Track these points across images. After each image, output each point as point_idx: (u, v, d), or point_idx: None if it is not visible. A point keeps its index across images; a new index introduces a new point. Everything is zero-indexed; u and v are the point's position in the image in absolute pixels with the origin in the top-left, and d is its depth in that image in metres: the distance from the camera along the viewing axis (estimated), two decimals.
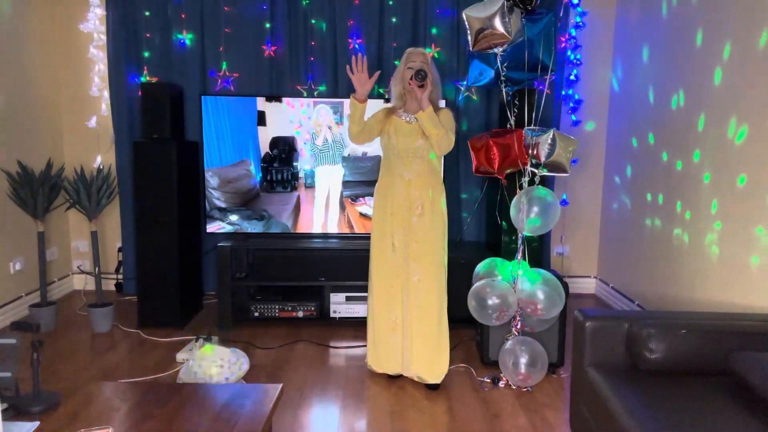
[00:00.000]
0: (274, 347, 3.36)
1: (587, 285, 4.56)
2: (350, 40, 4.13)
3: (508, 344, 2.83)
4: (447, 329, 2.86)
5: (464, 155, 4.10)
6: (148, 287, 3.60)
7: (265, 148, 3.76)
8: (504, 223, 3.33)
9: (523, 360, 2.77)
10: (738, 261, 2.67)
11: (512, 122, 3.05)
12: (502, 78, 2.90)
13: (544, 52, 2.86)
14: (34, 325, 1.83)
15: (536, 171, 2.79)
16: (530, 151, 2.76)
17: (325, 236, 3.86)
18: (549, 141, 2.69)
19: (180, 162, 3.59)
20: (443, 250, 2.85)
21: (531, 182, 2.83)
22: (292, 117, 3.73)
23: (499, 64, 2.84)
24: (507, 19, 2.62)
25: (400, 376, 2.95)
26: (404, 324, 2.83)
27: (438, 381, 2.84)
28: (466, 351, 3.32)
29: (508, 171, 2.94)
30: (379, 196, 2.88)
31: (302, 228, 3.82)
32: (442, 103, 3.59)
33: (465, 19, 2.72)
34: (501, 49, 2.78)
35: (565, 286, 2.86)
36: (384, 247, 2.85)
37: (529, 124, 2.99)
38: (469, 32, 2.73)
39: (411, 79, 2.66)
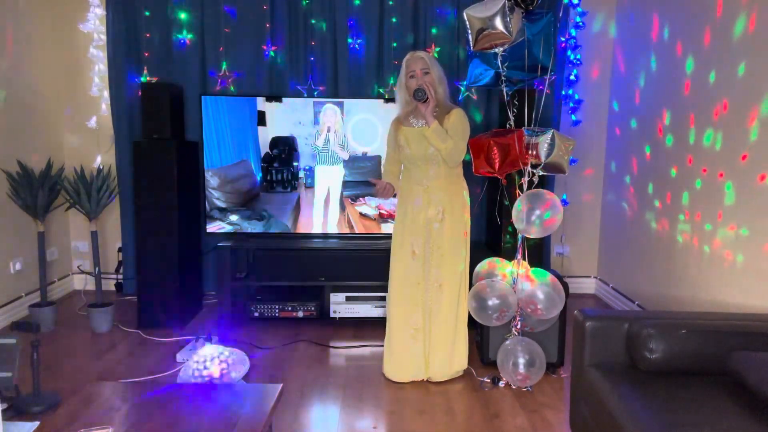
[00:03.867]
0: (274, 347, 3.36)
1: (587, 285, 4.56)
2: (350, 40, 4.14)
3: (506, 344, 2.84)
4: (465, 333, 2.91)
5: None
6: (148, 287, 3.60)
7: (265, 148, 3.76)
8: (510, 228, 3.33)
9: (522, 360, 2.77)
10: (738, 261, 2.67)
11: (512, 122, 3.05)
12: (503, 78, 2.90)
13: (543, 52, 2.86)
14: (34, 325, 1.84)
15: (535, 171, 2.79)
16: (530, 151, 2.76)
17: (325, 236, 3.86)
18: (548, 141, 2.69)
19: (180, 162, 3.59)
20: (465, 254, 2.87)
21: (530, 182, 2.83)
22: (302, 120, 3.74)
23: (499, 63, 2.84)
24: (508, 19, 2.62)
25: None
26: (425, 330, 2.86)
27: (444, 379, 2.90)
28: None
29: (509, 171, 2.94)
30: (400, 204, 2.91)
31: (302, 228, 3.82)
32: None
33: (466, 18, 2.72)
34: (501, 49, 2.78)
35: (565, 286, 2.86)
36: (404, 254, 2.86)
37: (529, 124, 2.98)
38: (469, 32, 2.73)
39: (412, 97, 2.69)
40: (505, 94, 2.96)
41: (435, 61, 2.80)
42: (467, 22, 2.73)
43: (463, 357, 2.92)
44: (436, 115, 2.74)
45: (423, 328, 2.85)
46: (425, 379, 2.92)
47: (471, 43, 2.76)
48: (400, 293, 2.86)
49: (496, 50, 2.79)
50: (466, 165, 2.99)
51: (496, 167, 2.86)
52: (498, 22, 2.62)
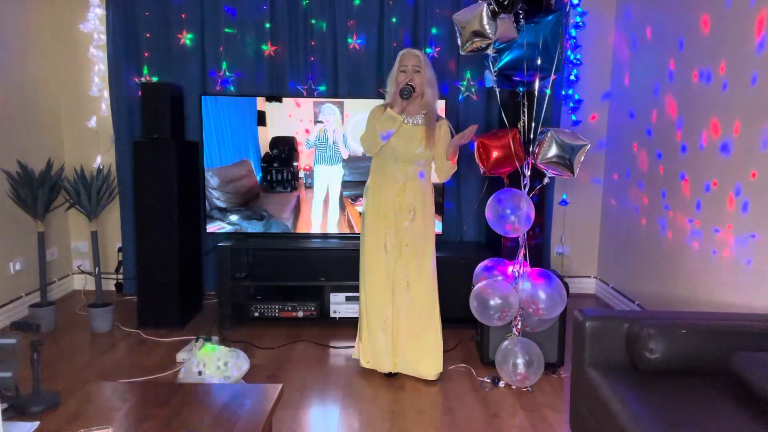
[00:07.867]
0: (274, 347, 3.36)
1: (587, 285, 4.56)
2: (350, 40, 4.14)
3: (505, 345, 2.84)
4: (438, 329, 2.91)
5: (463, 155, 4.09)
6: (148, 287, 3.60)
7: (265, 148, 3.76)
8: None
9: (521, 360, 2.77)
10: (737, 261, 2.67)
11: (525, 122, 3.03)
12: (494, 79, 2.89)
13: (554, 51, 2.85)
14: (34, 325, 1.83)
15: (545, 172, 2.77)
16: (535, 150, 2.75)
17: (325, 236, 3.86)
18: (556, 141, 2.67)
19: (180, 162, 3.59)
20: (433, 253, 2.91)
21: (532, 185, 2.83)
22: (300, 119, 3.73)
23: (489, 65, 2.84)
24: (490, 22, 2.61)
25: (395, 375, 2.96)
26: (393, 323, 2.88)
27: (433, 378, 2.89)
28: (466, 351, 3.31)
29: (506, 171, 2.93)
30: (371, 196, 2.90)
31: (302, 228, 3.82)
32: (441, 103, 3.59)
33: (454, 22, 2.73)
34: (493, 50, 2.78)
35: (566, 286, 2.86)
36: (377, 248, 2.88)
37: (530, 124, 2.98)
38: (459, 36, 2.73)
39: (398, 93, 2.68)
40: (498, 95, 2.96)
41: (429, 62, 2.83)
42: (456, 26, 2.73)
43: (434, 359, 2.89)
44: (425, 113, 2.80)
45: (392, 320, 2.87)
46: (393, 372, 2.94)
47: (459, 47, 2.76)
48: (374, 286, 2.88)
49: (489, 52, 2.78)
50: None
51: (488, 166, 2.86)
52: (483, 25, 2.61)
